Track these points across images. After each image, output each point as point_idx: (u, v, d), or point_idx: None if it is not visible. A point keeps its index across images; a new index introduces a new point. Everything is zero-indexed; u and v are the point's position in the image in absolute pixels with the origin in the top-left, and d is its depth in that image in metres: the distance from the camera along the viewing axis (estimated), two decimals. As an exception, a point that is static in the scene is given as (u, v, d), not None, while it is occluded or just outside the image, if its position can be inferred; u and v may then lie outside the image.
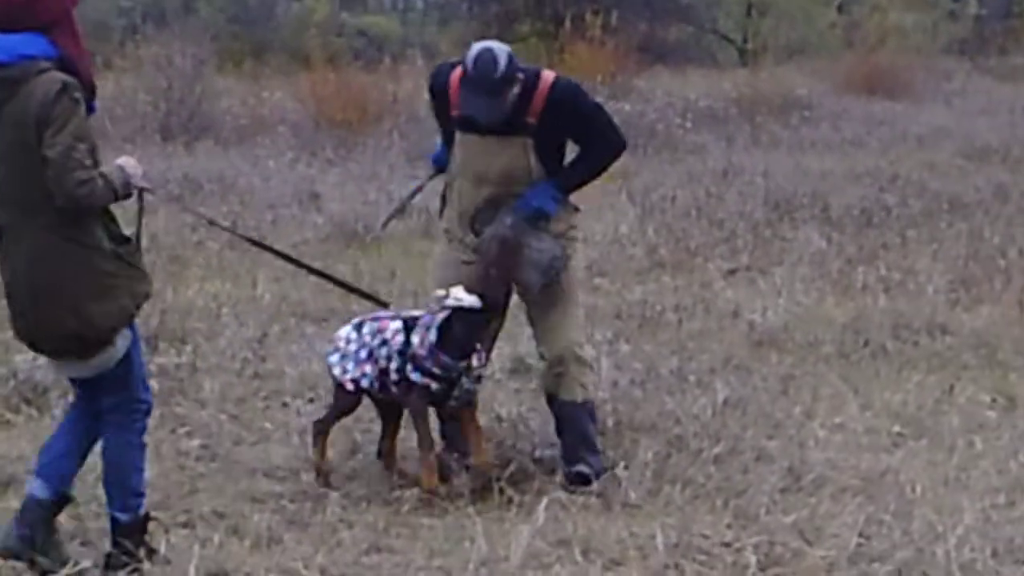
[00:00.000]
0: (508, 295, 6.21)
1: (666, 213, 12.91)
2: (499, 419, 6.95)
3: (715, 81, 28.91)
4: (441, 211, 6.56)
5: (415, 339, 5.93)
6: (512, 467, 6.20)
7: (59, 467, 5.32)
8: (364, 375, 6.07)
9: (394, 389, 6.04)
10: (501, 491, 5.98)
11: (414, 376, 5.91)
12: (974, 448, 6.81)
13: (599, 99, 19.69)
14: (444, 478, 6.06)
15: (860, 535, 5.54)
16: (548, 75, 6.12)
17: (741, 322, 9.26)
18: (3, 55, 4.73)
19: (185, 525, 5.75)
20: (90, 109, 4.90)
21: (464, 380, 5.95)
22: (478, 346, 6.00)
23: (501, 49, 5.92)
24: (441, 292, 5.92)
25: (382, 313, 6.32)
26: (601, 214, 12.91)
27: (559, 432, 6.34)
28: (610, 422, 6.88)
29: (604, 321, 8.84)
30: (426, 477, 5.97)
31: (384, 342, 6.02)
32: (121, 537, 5.23)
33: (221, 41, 32.62)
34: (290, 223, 13.35)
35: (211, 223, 7.00)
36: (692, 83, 28.46)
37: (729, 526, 5.70)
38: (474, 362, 5.98)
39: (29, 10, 4.76)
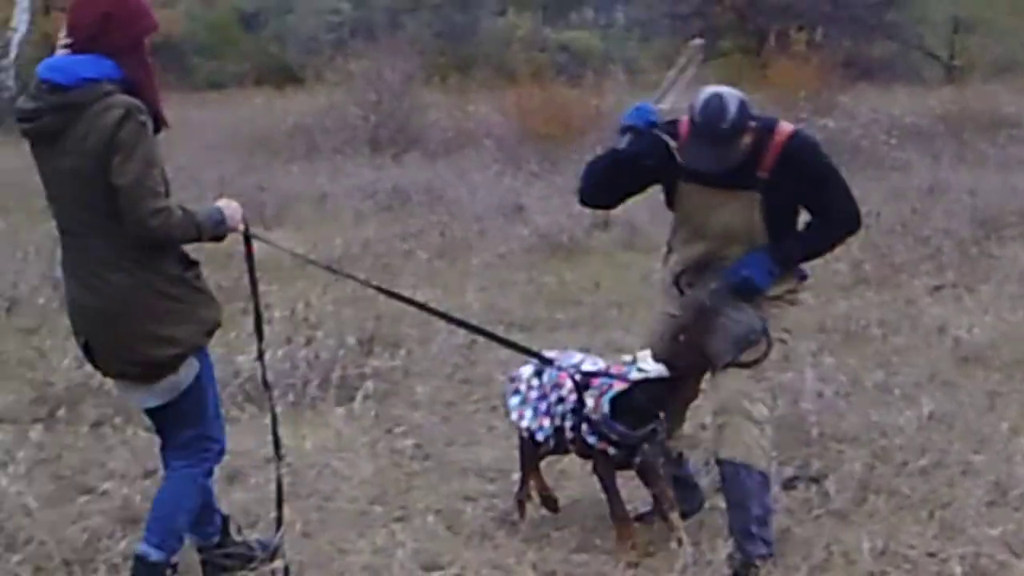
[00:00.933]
0: (700, 365, 5.63)
1: (871, 229, 12.75)
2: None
3: (920, 98, 28.52)
4: (665, 259, 5.99)
5: (589, 402, 5.62)
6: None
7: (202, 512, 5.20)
8: (541, 428, 5.78)
9: (570, 447, 5.78)
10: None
11: (591, 439, 5.63)
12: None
13: (802, 115, 19.77)
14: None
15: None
16: (785, 127, 5.53)
17: (947, 338, 9.16)
18: (63, 77, 4.62)
19: (400, 520, 5.95)
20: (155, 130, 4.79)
21: (645, 446, 5.61)
22: (660, 414, 5.62)
23: (732, 95, 5.34)
24: (627, 358, 5.66)
25: (562, 359, 5.88)
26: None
27: (726, 500, 5.65)
28: (815, 432, 6.90)
29: (808, 334, 8.83)
30: (619, 547, 5.61)
31: (561, 399, 5.73)
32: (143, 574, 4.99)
33: (428, 56, 33.11)
34: (496, 234, 13.60)
35: (297, 255, 6.87)
36: (897, 100, 28.06)
37: (935, 537, 5.70)
38: (655, 428, 5.60)
39: (99, 37, 4.68)
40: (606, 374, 5.62)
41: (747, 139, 5.34)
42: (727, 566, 5.31)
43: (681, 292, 5.75)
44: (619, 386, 5.52)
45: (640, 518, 5.92)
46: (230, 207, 4.99)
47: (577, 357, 5.88)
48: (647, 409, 5.52)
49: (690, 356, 5.47)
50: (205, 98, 34.94)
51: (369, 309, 9.41)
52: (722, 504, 5.72)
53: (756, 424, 5.50)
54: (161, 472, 5.26)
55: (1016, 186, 16.31)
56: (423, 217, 14.41)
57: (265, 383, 5.52)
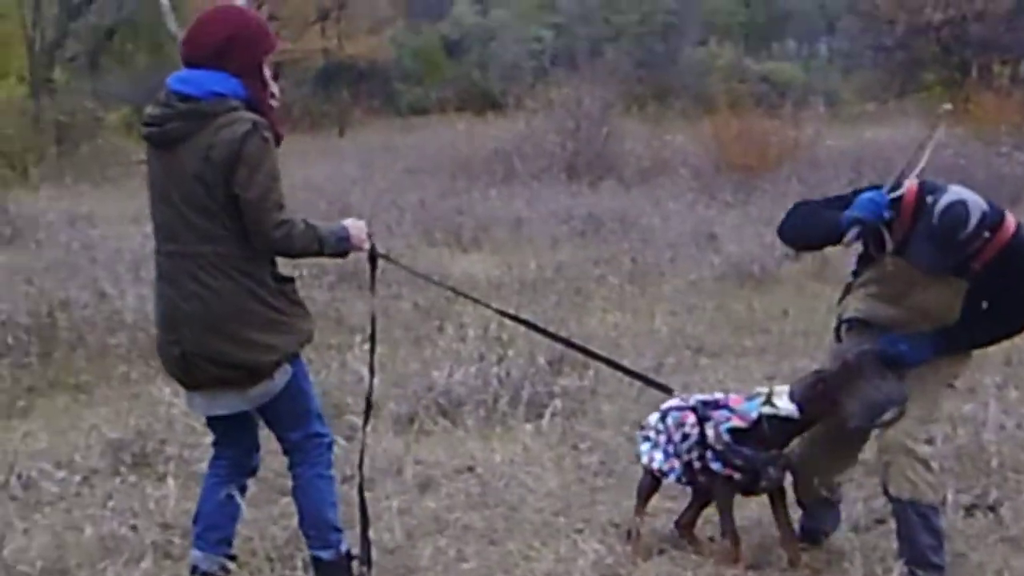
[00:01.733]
0: (831, 417, 5.59)
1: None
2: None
3: None
4: (841, 298, 5.95)
5: (709, 432, 5.76)
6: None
7: (218, 525, 5.32)
8: (672, 470, 5.91)
9: (701, 478, 5.86)
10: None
11: (715, 466, 5.74)
12: None
13: (1003, 149, 19.48)
14: None
15: None
16: (1010, 224, 5.36)
17: None
18: (195, 89, 4.81)
19: (582, 531, 6.12)
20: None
21: (770, 470, 5.72)
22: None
23: (976, 205, 5.17)
24: (763, 390, 5.79)
25: (684, 403, 5.98)
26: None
27: (896, 532, 5.68)
28: (995, 463, 6.91)
29: (993, 367, 8.82)
30: (723, 559, 5.78)
31: (685, 436, 5.85)
32: (325, 575, 5.25)
33: (627, 84, 33.34)
34: (687, 262, 13.70)
35: (419, 275, 6.95)
36: (1105, 135, 27.45)
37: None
38: (778, 453, 5.71)
39: (224, 55, 4.86)
40: (726, 407, 5.78)
41: (976, 244, 5.26)
42: None
43: (839, 339, 5.84)
44: (737, 420, 5.68)
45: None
46: (356, 226, 5.16)
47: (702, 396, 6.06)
48: (773, 443, 5.65)
49: (823, 407, 5.56)
50: (409, 123, 35.67)
51: (559, 330, 9.62)
52: (887, 525, 5.89)
53: (920, 462, 5.52)
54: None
55: None
56: (616, 244, 14.60)
57: (368, 401, 5.65)
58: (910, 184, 5.40)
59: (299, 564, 5.54)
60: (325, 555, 5.22)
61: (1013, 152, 21.47)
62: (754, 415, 5.66)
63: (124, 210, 18.00)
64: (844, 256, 13.06)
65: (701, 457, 5.79)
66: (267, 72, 5.05)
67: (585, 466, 7.18)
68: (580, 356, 8.97)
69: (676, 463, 5.89)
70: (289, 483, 6.05)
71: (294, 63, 42.76)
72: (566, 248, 14.78)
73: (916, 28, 39.85)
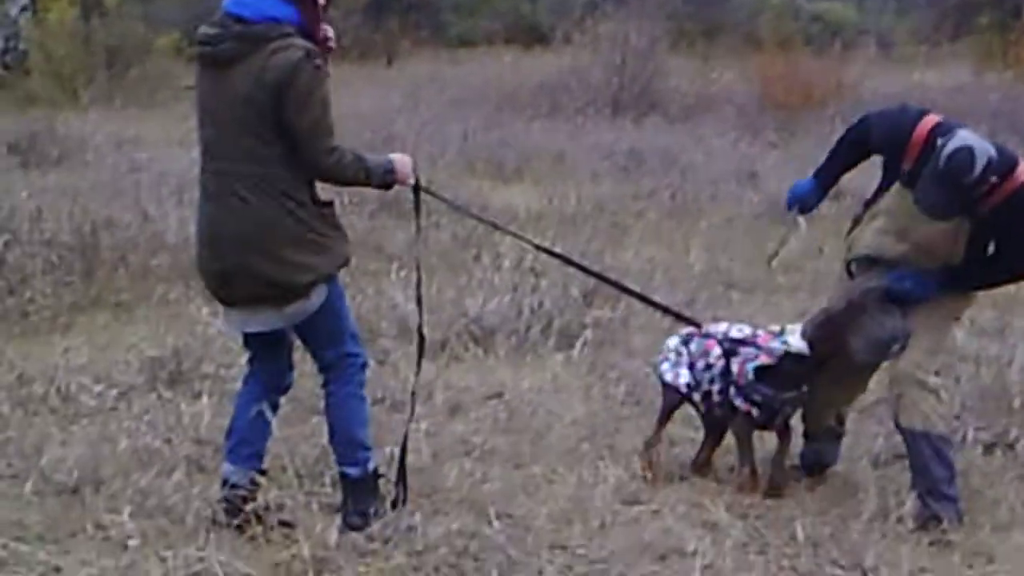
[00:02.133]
0: (838, 354, 5.77)
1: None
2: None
3: None
4: (850, 231, 6.10)
5: (734, 367, 5.95)
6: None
7: (250, 440, 5.42)
8: (692, 388, 6.12)
9: (717, 410, 6.07)
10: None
11: (737, 401, 5.94)
12: None
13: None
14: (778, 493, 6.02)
15: None
16: (1021, 172, 5.47)
17: None
18: (251, 12, 4.88)
19: (605, 458, 6.28)
20: None
21: (786, 408, 5.95)
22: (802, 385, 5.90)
23: (983, 151, 5.26)
24: (776, 328, 5.97)
25: (710, 330, 6.21)
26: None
27: (910, 464, 5.85)
28: (1017, 403, 6.96)
29: (1023, 309, 8.88)
30: (740, 491, 5.95)
31: (709, 366, 6.04)
32: (353, 493, 5.35)
33: (676, 20, 33.12)
34: (727, 198, 13.78)
35: (461, 211, 7.21)
36: None
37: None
38: (797, 393, 5.91)
39: None
40: (753, 344, 5.92)
41: (983, 188, 5.36)
42: (912, 520, 5.53)
43: (850, 274, 5.97)
44: (764, 358, 5.83)
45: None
46: (402, 160, 5.29)
47: (723, 326, 6.22)
48: (790, 379, 5.82)
49: (831, 344, 5.71)
50: (456, 55, 35.61)
51: (594, 263, 9.67)
52: (906, 461, 5.96)
53: (931, 392, 5.68)
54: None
55: None
56: (657, 179, 14.62)
57: (420, 333, 5.77)
58: (927, 119, 5.60)
59: (327, 481, 5.72)
60: (353, 472, 5.33)
61: (1057, 99, 21.37)
62: (780, 352, 5.80)
63: (171, 134, 18.09)
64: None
65: (723, 391, 5.97)
66: (321, 1, 5.09)
67: (612, 396, 7.33)
68: (613, 289, 9.16)
69: (695, 385, 6.08)
70: (320, 403, 6.22)
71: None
72: (607, 182, 14.83)
73: (971, -29, 39.50)
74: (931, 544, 5.44)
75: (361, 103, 20.63)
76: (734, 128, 19.25)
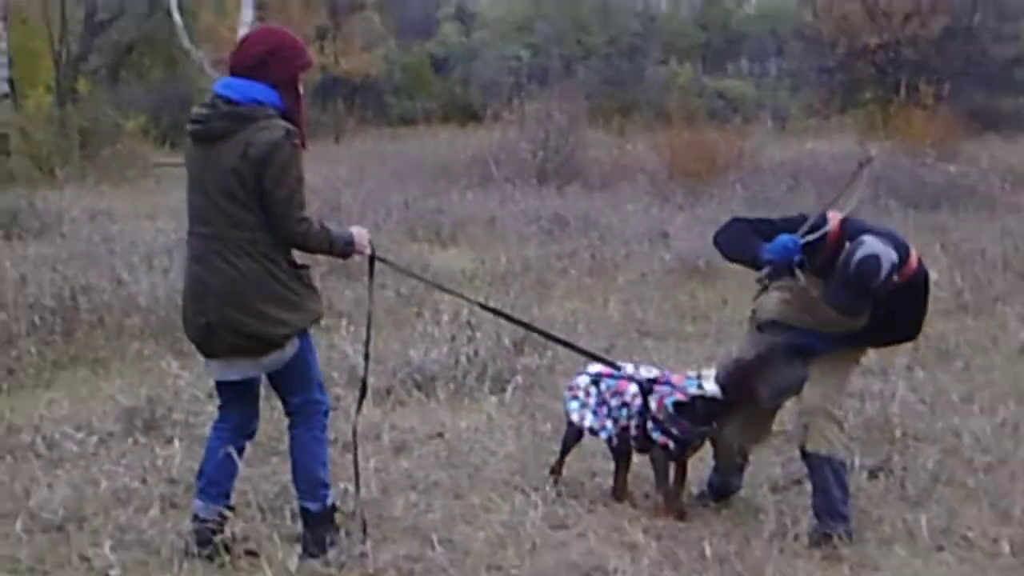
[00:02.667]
0: (746, 398, 5.86)
1: (975, 264, 12.87)
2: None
3: (1043, 149, 28.14)
4: (757, 295, 6.10)
5: (652, 404, 6.00)
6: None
7: (219, 480, 5.44)
8: (604, 428, 6.19)
9: (633, 443, 6.15)
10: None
11: (655, 435, 5.99)
12: None
13: (928, 160, 19.72)
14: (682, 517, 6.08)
15: None
16: (913, 262, 5.64)
17: None
18: (238, 95, 5.04)
19: (536, 488, 6.29)
20: None
21: (696, 441, 6.07)
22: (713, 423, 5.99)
23: (887, 257, 5.36)
24: (692, 373, 6.03)
25: (615, 373, 6.27)
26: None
27: (812, 486, 5.95)
28: (898, 432, 7.20)
29: (904, 351, 9.04)
30: (658, 514, 6.02)
31: (624, 404, 6.10)
32: (312, 525, 5.39)
33: (594, 99, 33.46)
34: (640, 257, 13.88)
35: (414, 277, 7.39)
36: (1019, 150, 27.74)
37: (991, 522, 5.98)
38: (709, 430, 6.02)
39: (263, 67, 5.09)
40: (668, 383, 6.03)
41: (886, 287, 5.44)
42: (808, 537, 5.67)
43: (759, 328, 6.05)
44: (680, 396, 5.94)
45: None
46: (360, 233, 5.42)
47: (630, 367, 6.34)
48: (704, 418, 5.94)
49: (740, 389, 5.83)
50: (397, 132, 35.75)
51: (523, 316, 9.81)
52: (802, 486, 6.17)
53: (836, 423, 5.82)
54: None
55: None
56: (578, 240, 14.75)
57: (364, 381, 5.88)
58: (834, 218, 5.63)
59: (287, 514, 5.78)
60: (313, 506, 5.39)
61: (936, 163, 21.77)
62: (692, 391, 5.91)
63: (140, 207, 18.16)
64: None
65: (640, 426, 6.04)
66: (300, 87, 5.23)
67: (540, 433, 7.39)
68: (540, 338, 9.24)
69: (609, 424, 6.17)
70: (279, 446, 6.28)
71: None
72: (533, 244, 14.93)
73: (855, 51, 40.07)
74: (823, 558, 5.55)
75: (311, 176, 20.46)
76: (646, 194, 19.53)
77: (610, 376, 6.25)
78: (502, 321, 9.35)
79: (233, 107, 5.06)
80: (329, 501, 5.46)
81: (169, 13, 32.29)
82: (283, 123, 5.05)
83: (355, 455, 5.74)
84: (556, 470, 6.43)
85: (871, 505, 6.19)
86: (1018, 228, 16.19)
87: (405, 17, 53.02)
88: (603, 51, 50.26)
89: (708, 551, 5.48)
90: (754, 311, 6.10)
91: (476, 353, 8.58)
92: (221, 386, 5.49)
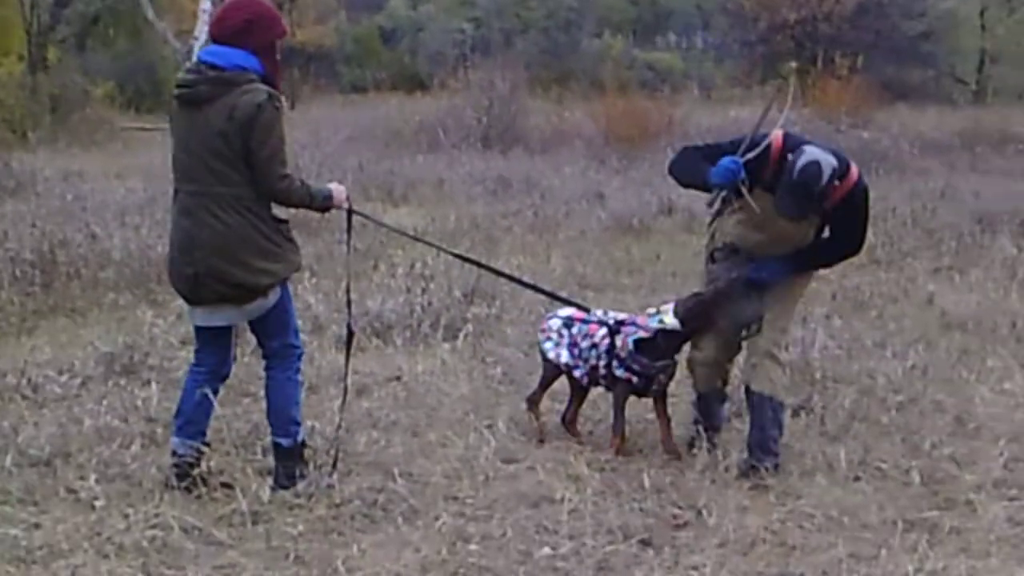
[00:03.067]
0: (706, 330, 6.00)
1: (887, 222, 12.99)
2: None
3: (947, 118, 28.44)
4: (711, 222, 6.18)
5: (618, 342, 6.04)
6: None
7: (195, 420, 5.49)
8: (577, 367, 6.21)
9: (602, 381, 6.19)
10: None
11: (618, 372, 6.03)
12: None
13: (842, 127, 19.91)
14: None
15: (1004, 467, 5.96)
16: (853, 173, 5.66)
17: (936, 309, 9.46)
18: (222, 61, 5.09)
19: (488, 427, 6.38)
20: None
21: (661, 376, 6.05)
22: (674, 356, 6.07)
23: (827, 163, 5.43)
24: (651, 310, 6.10)
25: (587, 316, 6.31)
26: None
27: (749, 422, 6.03)
28: (818, 375, 7.30)
29: (822, 301, 9.18)
30: (613, 449, 6.06)
31: (594, 345, 6.13)
32: (283, 459, 5.45)
33: (533, 69, 33.40)
34: (579, 215, 13.97)
35: (391, 229, 7.48)
36: (927, 118, 28.03)
37: (903, 455, 6.13)
38: (669, 363, 6.05)
39: (244, 35, 5.12)
40: (633, 323, 6.08)
41: (828, 192, 5.51)
42: (737, 468, 5.78)
43: (712, 260, 6.10)
44: (641, 332, 5.99)
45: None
46: (338, 189, 5.48)
47: (600, 312, 6.39)
48: (665, 351, 6.00)
49: (700, 322, 5.93)
50: (349, 99, 35.57)
51: (473, 269, 9.84)
52: (731, 424, 6.33)
53: (781, 366, 5.96)
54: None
55: (1014, 191, 16.48)
56: (521, 200, 14.81)
57: (349, 329, 5.94)
58: (775, 134, 5.66)
59: (259, 450, 5.82)
60: (285, 442, 5.44)
61: (850, 130, 21.97)
62: (655, 327, 5.97)
63: (109, 168, 17.97)
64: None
65: (608, 365, 6.07)
66: (278, 53, 5.29)
67: (490, 376, 7.45)
68: (489, 288, 9.33)
69: (580, 363, 6.19)
70: (250, 388, 6.31)
71: (253, 47, 42.49)
72: (480, 204, 14.96)
73: (775, 25, 40.22)
74: (751, 488, 5.65)
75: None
76: (584, 158, 19.62)
77: (582, 320, 6.29)
78: (453, 273, 9.50)
79: (219, 72, 5.10)
80: (299, 437, 5.51)
81: (133, -15, 31.96)
82: (265, 87, 5.10)
83: (344, 399, 5.88)
84: (535, 403, 6.45)
85: (794, 440, 6.27)
86: (925, 189, 16.44)
87: (355, -9, 52.73)
88: (541, 24, 50.18)
89: (647, 482, 5.57)
90: (711, 238, 6.13)
91: (430, 303, 8.61)
92: (200, 331, 5.50)
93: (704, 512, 5.32)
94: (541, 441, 6.26)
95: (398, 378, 7.36)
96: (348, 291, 5.99)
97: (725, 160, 5.62)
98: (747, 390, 6.01)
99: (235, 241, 5.12)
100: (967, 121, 26.07)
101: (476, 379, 7.38)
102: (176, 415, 5.55)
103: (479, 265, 6.97)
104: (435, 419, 6.60)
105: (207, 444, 5.50)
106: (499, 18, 49.35)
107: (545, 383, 6.47)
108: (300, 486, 5.37)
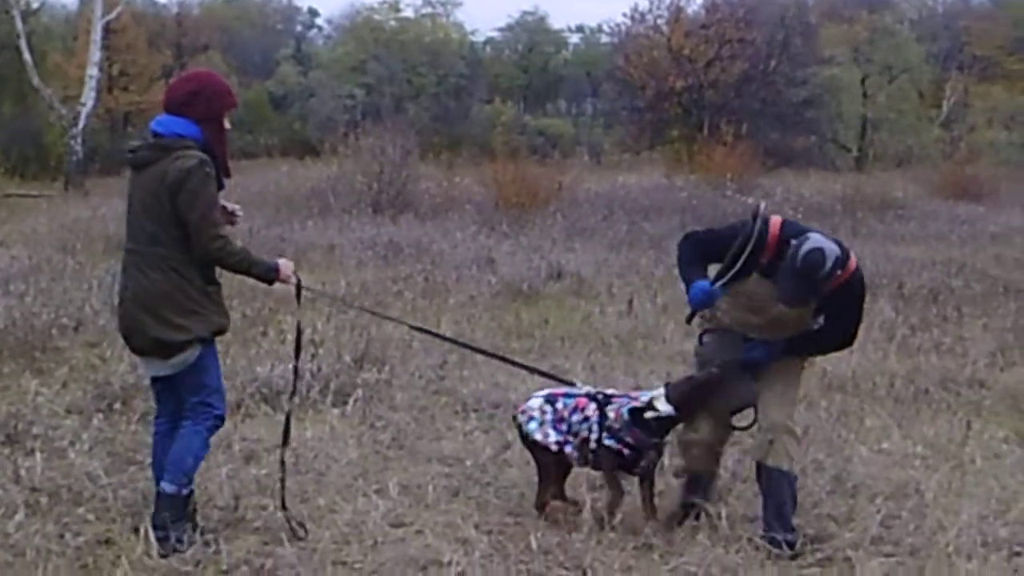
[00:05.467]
0: (701, 413, 6.01)
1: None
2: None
3: (830, 183, 29.19)
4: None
5: (611, 414, 5.97)
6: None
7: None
8: (567, 443, 6.06)
9: (590, 456, 6.03)
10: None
11: (608, 442, 5.94)
12: (983, 470, 7.26)
13: (728, 193, 20.27)
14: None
15: (882, 525, 6.10)
16: (853, 262, 5.72)
17: (817, 369, 9.54)
18: (164, 129, 5.46)
19: (376, 492, 6.40)
20: (220, 186, 5.51)
21: (651, 453, 5.99)
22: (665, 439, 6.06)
23: (831, 251, 5.49)
24: (644, 397, 5.99)
25: (570, 391, 6.26)
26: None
27: (763, 497, 5.99)
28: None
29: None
30: (609, 516, 5.94)
31: (585, 418, 6.02)
32: (161, 507, 5.50)
33: (424, 135, 33.61)
34: (469, 280, 14.05)
35: (337, 300, 7.51)
36: (810, 184, 28.72)
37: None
38: (660, 443, 6.01)
39: (187, 106, 5.47)
40: (626, 396, 6.12)
41: (830, 280, 5.55)
42: (758, 546, 5.75)
43: (701, 342, 6.15)
44: (635, 403, 5.99)
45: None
46: (286, 264, 5.77)
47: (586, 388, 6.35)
48: (659, 432, 5.99)
49: (695, 406, 5.95)
50: (240, 165, 35.29)
51: (362, 334, 9.94)
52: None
53: (797, 439, 6.00)
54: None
55: (894, 255, 16.97)
56: (411, 265, 14.87)
57: (294, 387, 6.35)
58: (774, 220, 5.74)
59: (146, 517, 5.75)
60: (169, 488, 5.50)
61: (735, 195, 22.45)
62: (646, 399, 5.97)
63: (-7, 235, 17.76)
64: (596, 277, 13.72)
65: (599, 438, 5.99)
66: (227, 124, 5.61)
67: (380, 441, 7.49)
68: (379, 353, 9.38)
69: (571, 438, 6.08)
70: (137, 456, 6.30)
71: (141, 113, 42.28)
72: (371, 269, 15.01)
73: (662, 93, 41.02)
74: (635, 548, 5.72)
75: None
76: (474, 223, 19.75)
77: (566, 395, 6.22)
78: (342, 340, 9.53)
79: (158, 139, 5.47)
80: (185, 491, 5.55)
81: (19, 51, 31.68)
82: (198, 153, 5.39)
83: (282, 465, 5.97)
84: (545, 505, 6.19)
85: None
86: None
87: (246, 57, 52.72)
88: (432, 90, 50.60)
89: (534, 544, 5.62)
90: (704, 319, 6.16)
91: (319, 369, 8.64)
92: (153, 382, 5.81)
93: (589, 572, 5.40)
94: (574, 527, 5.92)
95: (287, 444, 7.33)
96: (297, 356, 6.34)
97: (703, 285, 5.76)
98: (759, 466, 5.97)
99: (157, 297, 5.42)
100: (849, 186, 26.70)
101: (365, 444, 7.40)
102: (153, 467, 5.79)
103: (470, 348, 7.38)
104: (323, 484, 6.60)
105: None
106: (390, 84, 49.65)
107: (546, 475, 6.20)
108: (188, 552, 5.36)
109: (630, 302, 12.34)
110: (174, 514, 5.48)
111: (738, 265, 5.71)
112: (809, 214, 21.62)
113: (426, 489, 6.49)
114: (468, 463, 7.04)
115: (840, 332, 5.96)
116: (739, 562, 5.53)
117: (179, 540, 5.42)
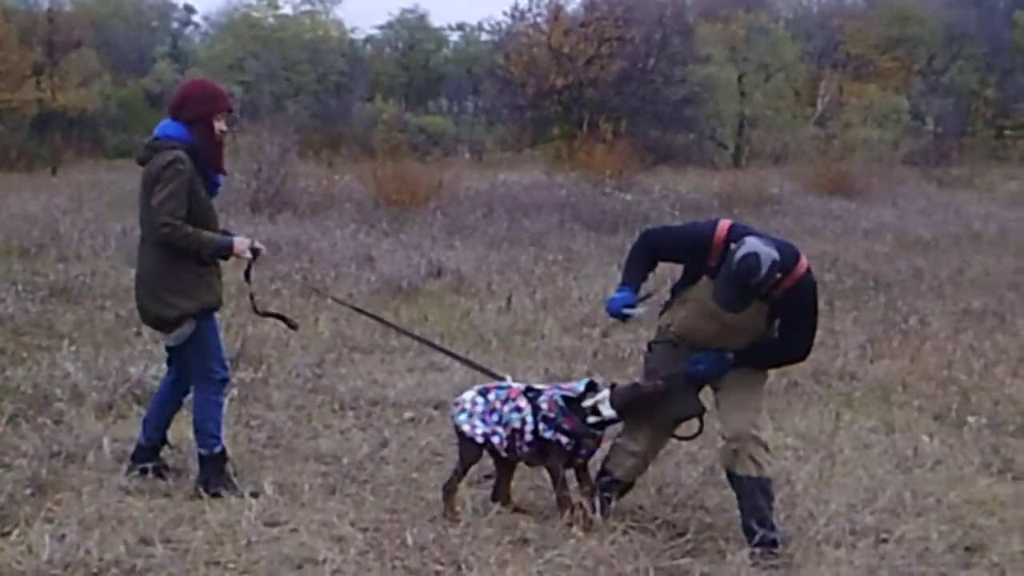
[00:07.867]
0: (644, 419, 6.02)
1: (648, 282, 13.37)
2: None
3: (707, 180, 29.62)
4: (661, 312, 6.17)
5: (543, 404, 5.94)
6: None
7: (157, 418, 6.66)
8: (496, 434, 6.03)
9: (526, 448, 6.01)
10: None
11: (548, 434, 5.91)
12: (851, 460, 7.47)
13: (607, 190, 20.41)
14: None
15: (751, 514, 6.21)
16: (803, 263, 5.66)
17: None
18: (159, 132, 6.22)
19: (254, 495, 6.32)
20: (215, 183, 6.30)
21: (589, 441, 5.97)
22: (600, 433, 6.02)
23: (767, 255, 5.41)
24: (589, 402, 5.94)
25: (502, 384, 6.25)
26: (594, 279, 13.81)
27: (739, 504, 5.91)
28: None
29: (584, 358, 9.44)
30: (563, 518, 5.94)
31: (518, 408, 5.98)
32: (204, 466, 6.39)
33: (304, 133, 33.41)
34: (348, 278, 14.05)
35: (335, 300, 8.18)
36: (688, 180, 29.11)
37: (658, 506, 6.39)
38: (596, 431, 5.97)
39: (179, 109, 6.20)
40: (556, 388, 6.12)
41: (771, 283, 5.49)
42: (750, 556, 5.70)
43: (650, 348, 6.17)
44: (568, 392, 5.99)
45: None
46: (241, 241, 6.32)
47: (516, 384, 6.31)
48: (596, 427, 5.98)
49: (638, 413, 5.97)
50: (114, 164, 34.94)
51: (239, 333, 9.88)
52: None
53: (762, 445, 5.86)
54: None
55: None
56: (290, 264, 14.73)
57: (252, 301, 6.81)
58: (722, 224, 5.77)
59: (21, 521, 5.70)
60: (203, 451, 6.41)
61: (614, 192, 22.68)
62: (580, 389, 5.99)
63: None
64: (476, 274, 13.77)
65: (534, 429, 5.96)
66: (220, 126, 6.25)
67: (256, 440, 7.47)
68: (256, 352, 9.32)
69: (500, 429, 6.05)
70: (5, 459, 6.17)
71: (11, 111, 41.51)
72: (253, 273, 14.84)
73: (543, 91, 41.33)
74: (510, 542, 5.75)
75: (29, 207, 20.14)
76: (353, 221, 19.68)
77: (498, 387, 6.19)
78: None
79: (153, 141, 6.22)
80: (216, 448, 6.40)
81: None
82: (177, 152, 6.06)
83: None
84: (451, 491, 6.21)
85: (549, 494, 6.29)
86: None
87: (121, 54, 51.90)
88: (312, 88, 50.29)
89: (410, 540, 5.63)
90: (659, 329, 6.15)
91: (193, 368, 8.53)
92: (167, 348, 6.54)
93: (464, 567, 5.41)
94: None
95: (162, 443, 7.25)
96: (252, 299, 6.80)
97: (625, 298, 5.82)
98: (730, 475, 5.92)
99: (152, 278, 6.23)
100: (726, 183, 27.14)
101: (241, 443, 7.35)
102: (146, 422, 6.72)
103: (452, 356, 7.40)
104: (196, 485, 6.51)
105: (165, 442, 6.74)
106: (269, 82, 49.27)
107: (463, 465, 6.23)
108: (56, 555, 5.28)
109: (509, 299, 12.44)
110: (215, 470, 6.35)
111: (640, 271, 5.90)
112: (686, 211, 21.92)
113: (302, 488, 6.47)
114: (345, 461, 7.03)
115: (792, 342, 5.90)
116: (612, 554, 5.58)
117: (224, 488, 6.30)
